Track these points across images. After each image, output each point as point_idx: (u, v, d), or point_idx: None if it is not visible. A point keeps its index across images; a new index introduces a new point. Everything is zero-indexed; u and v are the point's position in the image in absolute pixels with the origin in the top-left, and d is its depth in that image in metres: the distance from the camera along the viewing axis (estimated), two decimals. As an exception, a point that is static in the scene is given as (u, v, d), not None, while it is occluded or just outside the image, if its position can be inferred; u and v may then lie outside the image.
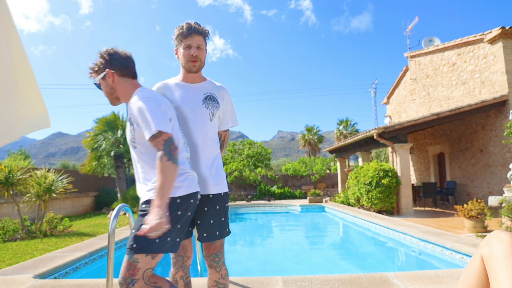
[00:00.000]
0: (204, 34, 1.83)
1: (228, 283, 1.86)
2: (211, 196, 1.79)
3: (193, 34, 1.79)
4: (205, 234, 1.76)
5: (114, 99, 1.74)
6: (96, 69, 1.71)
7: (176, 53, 1.87)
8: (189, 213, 1.64)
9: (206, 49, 1.86)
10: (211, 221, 1.77)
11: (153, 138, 1.50)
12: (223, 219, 1.82)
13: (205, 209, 1.77)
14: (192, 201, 1.64)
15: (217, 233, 1.78)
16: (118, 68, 1.70)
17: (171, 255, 1.79)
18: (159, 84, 1.90)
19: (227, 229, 1.85)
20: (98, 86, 1.74)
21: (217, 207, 1.80)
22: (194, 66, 1.82)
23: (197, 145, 1.80)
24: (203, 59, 1.85)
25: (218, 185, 1.81)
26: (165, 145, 1.50)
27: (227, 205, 1.86)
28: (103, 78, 1.70)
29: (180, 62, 1.86)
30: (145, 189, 1.62)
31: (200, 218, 1.77)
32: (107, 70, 1.68)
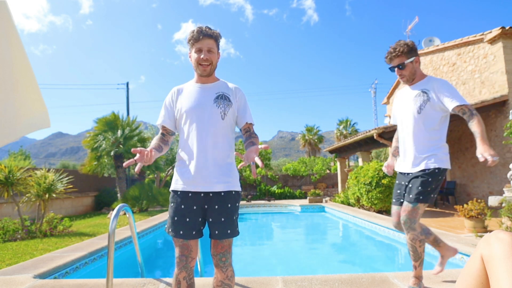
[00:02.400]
0: (215, 38, 1.88)
1: (233, 285, 1.86)
2: (222, 194, 1.80)
3: (204, 37, 1.84)
4: (216, 232, 1.77)
5: (411, 80, 2.55)
6: (406, 52, 2.46)
7: (190, 57, 1.92)
8: (183, 206, 1.77)
9: (218, 52, 1.91)
10: (222, 219, 1.78)
11: (460, 106, 2.34)
12: (234, 217, 1.82)
13: (216, 207, 1.79)
14: (179, 195, 1.80)
15: (229, 231, 1.78)
16: (418, 57, 2.53)
17: (176, 253, 1.80)
18: (175, 87, 1.98)
19: (237, 229, 1.85)
20: (399, 67, 2.50)
21: (229, 205, 1.80)
22: (205, 71, 1.87)
23: (206, 144, 1.81)
24: (215, 62, 1.90)
25: (228, 183, 1.82)
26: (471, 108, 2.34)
27: (237, 204, 1.87)
28: (412, 62, 2.49)
29: (193, 66, 1.92)
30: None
31: (211, 216, 1.79)
32: (416, 57, 2.50)
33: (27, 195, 6.53)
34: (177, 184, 1.84)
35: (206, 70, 1.87)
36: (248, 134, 1.95)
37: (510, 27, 8.71)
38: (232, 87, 1.96)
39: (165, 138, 1.96)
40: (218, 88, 1.92)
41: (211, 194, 1.80)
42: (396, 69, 2.51)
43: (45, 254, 4.33)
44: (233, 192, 1.84)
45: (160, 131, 1.99)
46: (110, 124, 12.99)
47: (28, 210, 6.84)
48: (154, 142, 1.91)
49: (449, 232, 5.33)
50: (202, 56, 1.83)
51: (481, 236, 4.91)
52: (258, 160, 1.62)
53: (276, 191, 16.61)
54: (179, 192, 1.82)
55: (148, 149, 1.75)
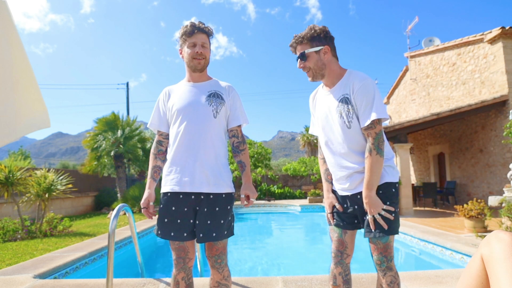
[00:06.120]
0: (208, 33, 1.87)
1: (230, 284, 1.85)
2: (211, 196, 1.77)
3: (198, 32, 1.83)
4: (201, 235, 1.73)
5: (319, 76, 1.78)
6: (312, 41, 1.73)
7: (181, 53, 1.89)
8: (173, 208, 1.74)
9: (210, 48, 1.90)
10: (208, 222, 1.74)
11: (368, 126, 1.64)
12: (222, 221, 1.77)
13: (205, 209, 1.75)
14: (169, 196, 1.77)
15: (214, 234, 1.74)
16: (333, 47, 1.78)
17: (173, 256, 1.77)
18: (167, 88, 1.95)
19: (226, 232, 1.80)
20: (302, 57, 1.76)
21: (217, 208, 1.77)
22: (199, 64, 1.85)
23: (197, 144, 1.78)
24: (208, 57, 1.88)
25: (218, 185, 1.79)
26: (376, 137, 1.64)
27: (229, 207, 1.82)
28: (317, 52, 1.74)
29: (185, 61, 1.88)
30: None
31: (199, 219, 1.75)
32: (325, 46, 1.74)
33: (27, 195, 6.53)
34: (166, 185, 1.80)
35: (200, 63, 1.84)
36: (237, 144, 1.92)
37: (510, 27, 8.71)
38: (225, 85, 1.93)
39: (163, 145, 1.94)
40: (210, 86, 1.89)
41: (202, 196, 1.76)
42: (298, 60, 1.81)
43: (45, 254, 4.33)
44: (223, 195, 1.80)
45: (156, 137, 1.96)
46: (110, 124, 12.98)
47: (28, 210, 6.84)
48: (153, 166, 1.91)
49: (449, 232, 5.33)
50: (196, 50, 1.81)
51: (481, 236, 4.91)
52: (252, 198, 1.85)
53: (276, 191, 16.59)
54: (169, 194, 1.78)
55: (152, 201, 1.86)
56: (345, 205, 1.82)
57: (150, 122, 1.94)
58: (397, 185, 1.76)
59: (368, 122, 1.63)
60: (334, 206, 1.86)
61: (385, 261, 1.66)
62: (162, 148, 1.93)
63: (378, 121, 1.64)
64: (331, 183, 1.90)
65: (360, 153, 1.73)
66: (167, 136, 1.92)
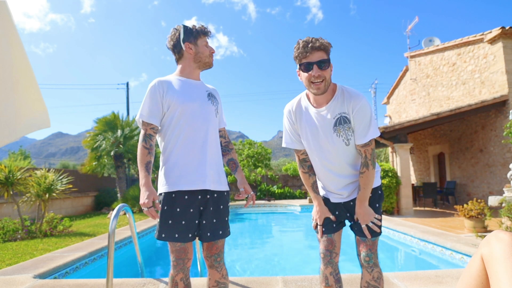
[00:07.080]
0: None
1: (228, 282, 1.86)
2: (215, 195, 1.80)
3: (210, 36, 1.92)
4: (208, 234, 1.75)
5: (326, 90, 1.66)
6: (328, 52, 1.64)
7: (189, 47, 1.83)
8: (178, 209, 1.69)
9: None
10: (214, 220, 1.77)
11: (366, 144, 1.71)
12: (226, 218, 1.83)
13: (211, 208, 1.77)
14: (174, 197, 1.70)
15: (220, 232, 1.78)
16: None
17: (172, 258, 1.74)
18: (161, 79, 1.79)
19: (228, 229, 1.86)
20: (320, 64, 1.60)
21: (221, 206, 1.81)
22: (212, 62, 1.92)
23: (204, 142, 1.79)
24: None
25: (221, 183, 1.83)
26: (372, 153, 1.73)
27: (228, 204, 1.88)
28: (331, 67, 1.65)
29: (197, 56, 1.85)
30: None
31: (205, 218, 1.76)
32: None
33: (27, 195, 6.53)
34: (171, 184, 1.72)
35: (212, 62, 1.92)
36: (225, 143, 2.01)
37: (510, 27, 8.71)
38: (212, 88, 1.97)
39: (152, 140, 1.76)
40: (204, 86, 1.93)
41: (208, 196, 1.76)
42: (314, 66, 1.61)
43: (45, 254, 4.33)
44: (225, 193, 1.85)
45: (145, 131, 1.75)
46: (110, 124, 12.98)
47: (28, 210, 6.84)
48: (148, 161, 1.71)
49: (449, 232, 5.33)
50: (213, 51, 1.90)
51: (481, 236, 4.91)
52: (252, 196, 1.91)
53: (276, 191, 16.59)
54: (173, 194, 1.71)
55: (156, 199, 1.67)
56: (336, 212, 1.89)
57: (140, 113, 1.75)
58: (382, 186, 1.92)
59: (367, 140, 1.70)
60: (324, 218, 1.88)
61: (373, 257, 1.78)
62: (152, 143, 1.76)
63: (373, 139, 1.73)
64: (319, 194, 1.92)
65: (354, 165, 1.81)
66: (157, 130, 1.79)
